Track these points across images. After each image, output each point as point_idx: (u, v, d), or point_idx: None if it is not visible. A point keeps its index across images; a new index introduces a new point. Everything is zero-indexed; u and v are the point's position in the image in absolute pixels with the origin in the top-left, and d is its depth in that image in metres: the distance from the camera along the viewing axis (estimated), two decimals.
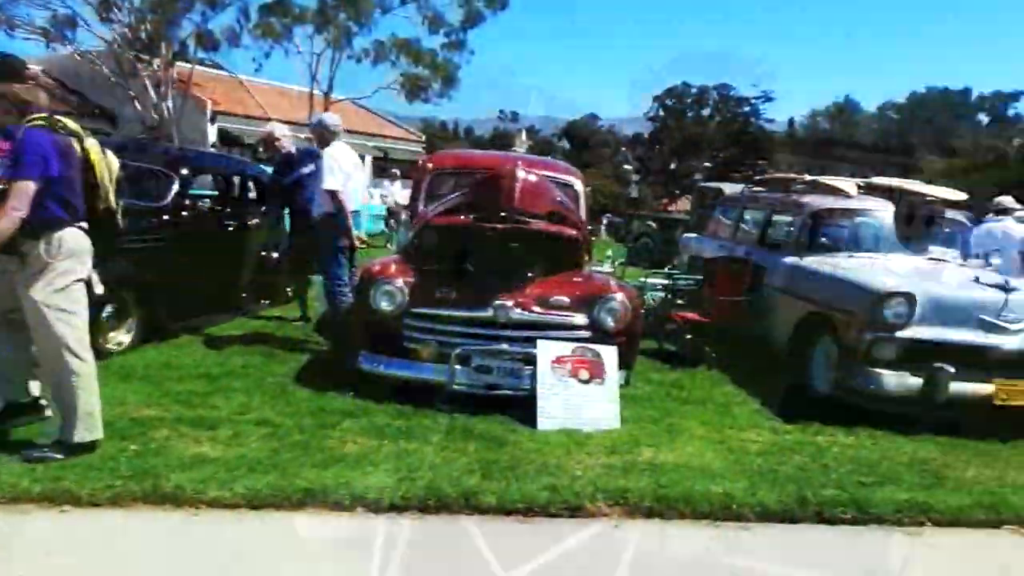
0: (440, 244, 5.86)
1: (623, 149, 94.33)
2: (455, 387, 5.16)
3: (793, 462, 4.61)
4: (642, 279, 9.19)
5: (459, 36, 32.93)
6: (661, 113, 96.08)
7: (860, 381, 5.55)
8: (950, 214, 7.23)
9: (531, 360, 5.10)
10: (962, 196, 7.16)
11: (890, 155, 68.70)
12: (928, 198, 7.42)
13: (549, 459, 4.38)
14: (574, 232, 5.89)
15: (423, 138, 44.17)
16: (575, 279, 5.63)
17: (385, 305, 5.31)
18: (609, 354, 5.19)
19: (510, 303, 5.20)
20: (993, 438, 5.28)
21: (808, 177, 7.85)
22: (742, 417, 5.56)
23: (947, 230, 7.15)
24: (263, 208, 8.20)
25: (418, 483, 3.92)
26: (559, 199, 5.62)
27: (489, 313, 5.21)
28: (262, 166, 9.33)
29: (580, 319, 5.30)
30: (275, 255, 7.84)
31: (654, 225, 17.82)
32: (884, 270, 6.16)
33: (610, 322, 5.30)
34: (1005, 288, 5.61)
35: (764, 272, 7.19)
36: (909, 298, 5.48)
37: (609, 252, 10.15)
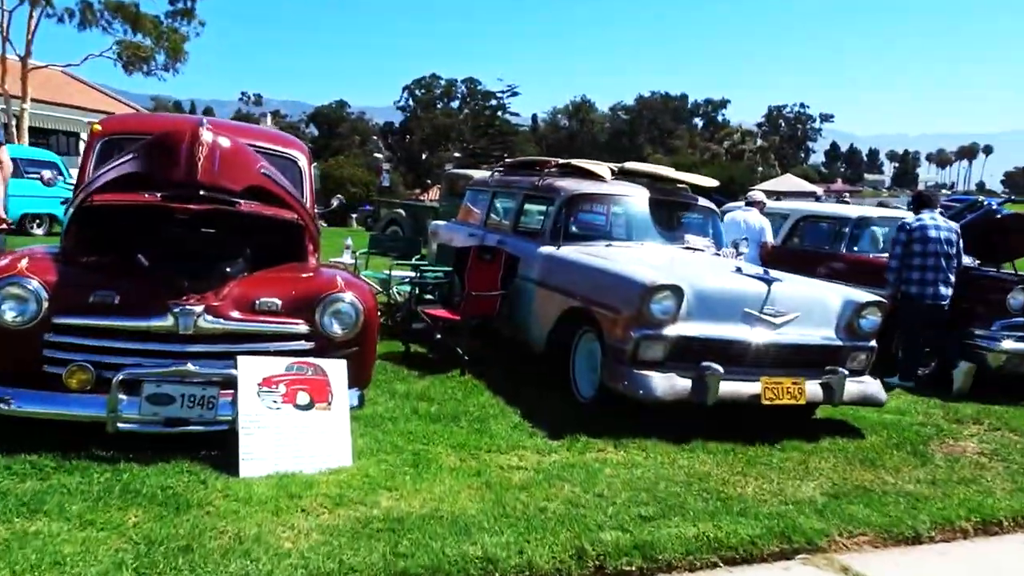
0: (102, 229, 4.34)
1: (374, 137, 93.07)
2: (121, 425, 3.73)
3: (564, 495, 3.78)
4: (386, 271, 8.12)
5: (187, 4, 29.71)
6: (411, 103, 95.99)
7: (627, 384, 4.92)
8: (702, 202, 6.96)
9: (231, 383, 3.82)
10: (714, 183, 6.91)
11: (621, 152, 74.05)
12: (681, 184, 7.12)
13: (247, 527, 3.15)
14: (292, 216, 4.65)
15: None
16: (292, 275, 4.40)
17: (10, 314, 3.72)
18: (337, 370, 4.04)
19: (199, 308, 3.85)
20: (761, 442, 4.88)
21: (561, 160, 7.23)
22: (501, 434, 4.69)
23: (699, 218, 6.85)
24: None
25: None
26: (269, 174, 4.34)
27: (168, 322, 3.83)
28: None
29: (298, 326, 4.08)
30: None
31: (403, 213, 16.82)
32: (647, 261, 5.62)
33: (337, 328, 4.15)
34: (767, 279, 5.27)
35: (519, 263, 6.43)
36: (676, 291, 4.94)
37: (349, 241, 8.96)
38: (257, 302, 4.00)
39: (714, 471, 4.34)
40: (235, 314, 3.92)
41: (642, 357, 4.96)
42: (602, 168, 6.82)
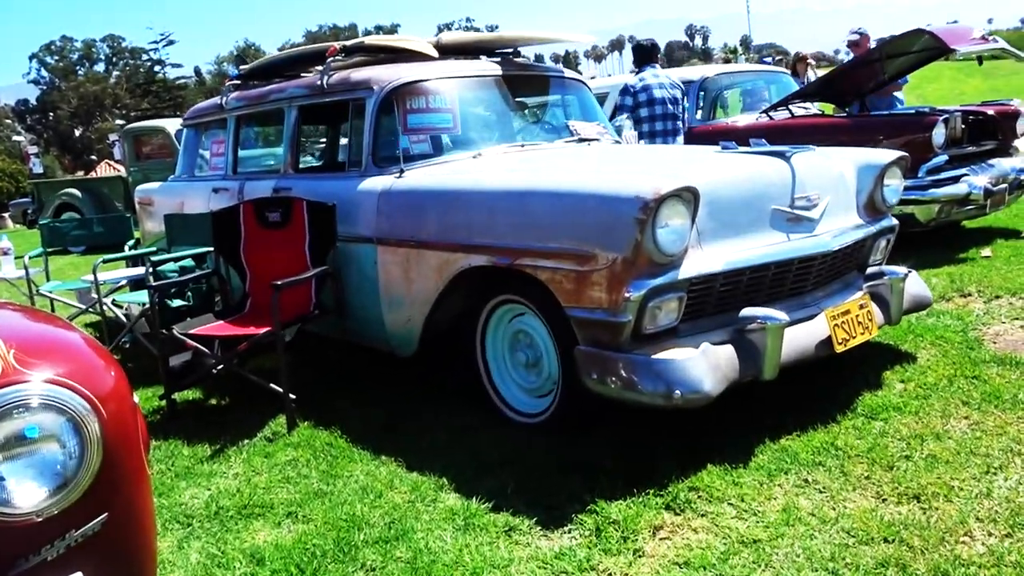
0: None
1: (7, 120, 78.37)
2: None
3: None
4: (88, 279, 4.99)
5: None
6: (44, 73, 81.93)
7: (634, 381, 2.70)
8: (569, 73, 4.76)
9: None
10: (590, 39, 4.71)
11: None
12: (519, 57, 4.82)
13: None
14: None
15: None
16: None
17: None
18: None
19: None
20: (822, 416, 2.97)
21: (348, 43, 4.52)
22: (462, 562, 2.25)
23: (574, 97, 4.64)
24: None
25: None
26: None
27: None
28: None
29: None
30: None
31: (78, 193, 12.63)
32: (592, 163, 3.35)
33: (34, 495, 1.38)
34: (781, 154, 3.26)
35: (332, 216, 3.81)
36: (690, 198, 2.75)
37: (5, 241, 5.49)
38: None
39: (887, 514, 2.31)
40: None
41: (648, 328, 2.75)
42: (418, 43, 4.29)
